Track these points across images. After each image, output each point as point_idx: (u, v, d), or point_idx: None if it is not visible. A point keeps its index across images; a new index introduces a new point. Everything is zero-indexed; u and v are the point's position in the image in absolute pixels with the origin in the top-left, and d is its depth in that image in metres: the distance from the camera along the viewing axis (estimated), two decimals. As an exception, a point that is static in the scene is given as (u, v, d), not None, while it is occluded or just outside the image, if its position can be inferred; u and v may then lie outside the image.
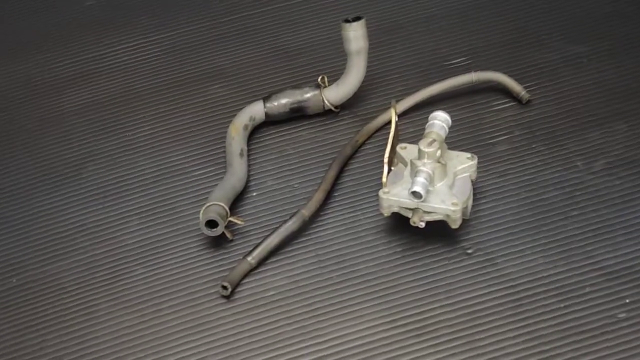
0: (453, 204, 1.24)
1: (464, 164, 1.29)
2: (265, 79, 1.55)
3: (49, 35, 1.67)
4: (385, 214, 1.27)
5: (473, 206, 1.31)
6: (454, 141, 1.40)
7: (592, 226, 1.27)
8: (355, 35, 1.43)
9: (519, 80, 1.46)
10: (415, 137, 1.39)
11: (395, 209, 1.26)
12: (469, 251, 1.27)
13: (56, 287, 1.29)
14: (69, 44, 1.65)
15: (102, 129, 1.50)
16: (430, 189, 1.25)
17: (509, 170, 1.36)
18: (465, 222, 1.29)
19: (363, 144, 1.42)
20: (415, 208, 1.25)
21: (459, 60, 1.53)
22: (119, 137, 1.49)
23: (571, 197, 1.31)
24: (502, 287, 1.22)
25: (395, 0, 1.64)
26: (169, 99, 1.54)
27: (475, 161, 1.29)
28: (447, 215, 1.24)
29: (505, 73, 1.46)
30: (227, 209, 1.30)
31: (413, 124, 1.44)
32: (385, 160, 1.29)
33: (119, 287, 1.28)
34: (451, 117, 1.41)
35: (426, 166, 1.25)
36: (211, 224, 1.29)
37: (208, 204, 1.30)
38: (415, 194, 1.22)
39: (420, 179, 1.23)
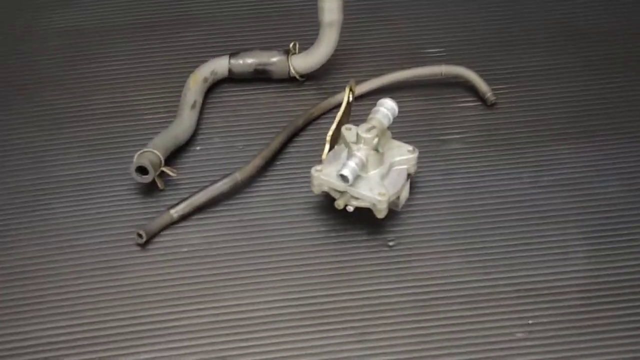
0: (380, 194, 1.22)
1: (403, 155, 1.26)
2: (241, 36, 1.53)
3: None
4: (316, 192, 1.25)
5: (409, 199, 1.29)
6: (408, 131, 1.38)
7: (519, 240, 1.24)
8: (330, 7, 1.40)
9: (490, 82, 1.43)
10: (373, 120, 1.37)
11: (326, 189, 1.24)
12: (391, 243, 1.25)
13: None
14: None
15: (67, 57, 1.50)
16: (363, 175, 1.23)
17: (454, 170, 1.33)
18: (395, 214, 1.28)
19: (317, 117, 1.40)
20: (344, 191, 1.23)
21: (436, 50, 1.50)
22: (82, 68, 1.48)
23: (508, 207, 1.28)
24: (412, 284, 1.20)
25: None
26: (140, 38, 1.53)
27: (415, 155, 1.27)
28: (374, 204, 1.22)
29: (476, 72, 1.43)
30: (162, 157, 1.29)
31: (373, 106, 1.42)
32: (328, 138, 1.27)
33: (42, 216, 1.28)
34: (413, 107, 1.40)
35: (360, 151, 1.23)
36: (142, 170, 1.28)
37: (143, 150, 1.29)
38: (342, 177, 1.20)
39: (351, 163, 1.21)
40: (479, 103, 1.42)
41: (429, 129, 1.39)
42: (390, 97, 1.30)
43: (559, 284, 1.20)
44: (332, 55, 1.46)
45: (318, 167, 1.25)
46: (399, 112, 1.39)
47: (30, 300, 1.19)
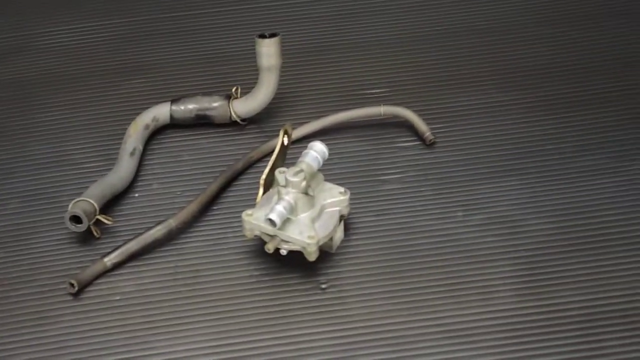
0: (309, 237, 1.22)
1: (335, 197, 1.26)
2: (185, 82, 1.54)
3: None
4: (248, 236, 1.26)
5: (344, 241, 1.30)
6: (347, 172, 1.38)
7: (447, 280, 1.24)
8: (268, 52, 1.41)
9: (430, 121, 1.43)
10: (313, 162, 1.38)
11: (257, 233, 1.25)
12: (323, 286, 1.25)
13: None
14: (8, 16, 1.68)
15: (12, 106, 1.51)
16: (293, 218, 1.23)
17: (390, 210, 1.33)
18: (329, 255, 1.28)
19: (257, 161, 1.41)
20: (274, 235, 1.23)
21: (379, 91, 1.51)
22: (21, 119, 1.49)
23: (438, 247, 1.28)
24: (340, 327, 1.20)
25: (331, 22, 1.63)
26: (86, 87, 1.54)
27: (346, 196, 1.27)
28: (304, 248, 1.22)
29: (416, 111, 1.44)
30: (96, 206, 1.30)
31: (312, 149, 1.43)
32: (261, 181, 1.28)
33: (-23, 267, 1.29)
34: (353, 148, 1.41)
35: (289, 195, 1.23)
36: (76, 219, 1.29)
37: (77, 200, 1.30)
38: (270, 221, 1.21)
39: (279, 207, 1.22)
40: (419, 142, 1.42)
41: (369, 170, 1.39)
42: (322, 140, 1.31)
43: (487, 323, 1.19)
44: (275, 98, 1.47)
45: (249, 212, 1.25)
46: (340, 153, 1.41)
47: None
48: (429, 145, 1.42)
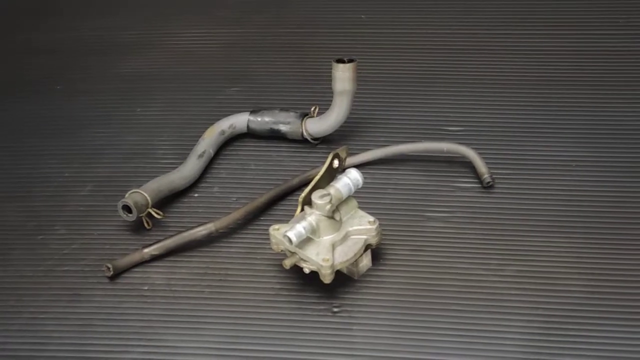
0: (324, 259, 1.24)
1: (362, 226, 1.28)
2: (278, 95, 1.60)
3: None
4: (274, 250, 1.29)
5: (371, 269, 1.31)
6: (395, 203, 1.39)
7: (450, 324, 1.23)
8: (342, 77, 1.45)
9: (495, 166, 1.42)
10: (368, 189, 1.40)
11: (282, 247, 1.28)
12: (335, 309, 1.27)
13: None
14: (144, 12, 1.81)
15: (119, 96, 1.63)
16: (315, 239, 1.26)
17: (426, 247, 1.33)
18: (351, 281, 1.29)
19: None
20: (294, 252, 1.26)
21: (456, 129, 1.50)
22: (128, 109, 1.61)
23: (464, 292, 1.26)
24: (341, 352, 1.21)
25: (428, 55, 1.64)
26: (189, 88, 1.64)
27: (374, 226, 1.28)
28: (318, 269, 1.25)
29: (484, 154, 1.42)
30: (149, 199, 1.38)
31: (372, 176, 1.44)
32: (300, 199, 1.31)
33: (43, 240, 1.39)
34: (410, 180, 1.42)
35: (312, 216, 1.26)
36: (128, 209, 1.37)
37: (133, 191, 1.38)
38: (285, 237, 1.24)
39: (299, 226, 1.25)
40: (476, 185, 1.41)
41: (418, 204, 1.39)
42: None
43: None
44: (352, 121, 1.51)
45: (276, 226, 1.29)
46: (394, 183, 1.42)
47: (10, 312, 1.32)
48: (485, 187, 1.40)
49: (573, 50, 1.63)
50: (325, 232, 1.27)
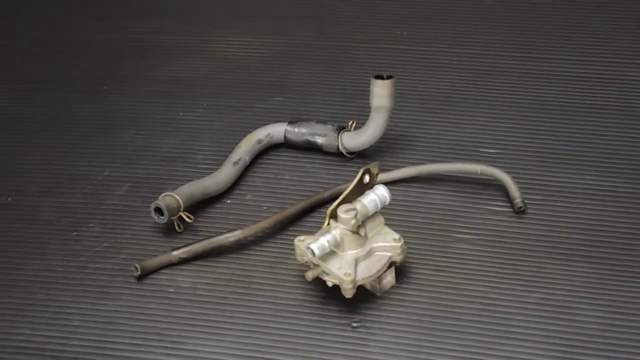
0: (346, 274, 1.25)
1: (387, 242, 1.29)
2: (319, 107, 1.62)
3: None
4: (299, 261, 1.31)
5: (394, 287, 1.31)
6: (424, 222, 1.40)
7: (467, 349, 1.23)
8: (380, 93, 1.46)
9: (529, 192, 1.42)
10: (399, 206, 1.41)
11: (306, 259, 1.30)
12: (355, 324, 1.27)
13: None
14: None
15: (162, 101, 1.66)
16: (340, 253, 1.27)
17: (451, 268, 1.33)
18: (374, 297, 1.30)
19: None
20: (317, 264, 1.27)
21: (492, 151, 1.50)
22: (169, 112, 1.64)
23: (485, 316, 1.26)
24: (355, 369, 1.23)
25: (470, 74, 1.65)
26: (232, 95, 1.67)
27: (399, 244, 1.28)
28: (340, 283, 1.26)
29: (518, 179, 1.42)
30: (181, 203, 1.40)
31: (404, 193, 1.44)
32: (328, 212, 1.32)
33: (77, 236, 1.42)
34: (441, 200, 1.42)
35: (336, 230, 1.27)
36: (160, 211, 1.40)
37: (166, 194, 1.40)
38: (309, 249, 1.25)
39: (323, 239, 1.26)
40: (508, 209, 1.41)
41: (447, 225, 1.40)
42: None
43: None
44: (389, 137, 1.52)
45: (302, 237, 1.30)
46: (426, 202, 1.43)
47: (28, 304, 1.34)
48: (517, 212, 1.40)
49: (617, 78, 1.62)
50: (350, 247, 1.28)
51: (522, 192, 1.41)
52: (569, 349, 1.22)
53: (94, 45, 1.81)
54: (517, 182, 1.42)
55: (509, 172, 1.43)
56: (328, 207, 1.31)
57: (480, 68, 1.67)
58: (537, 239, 1.37)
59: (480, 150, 1.51)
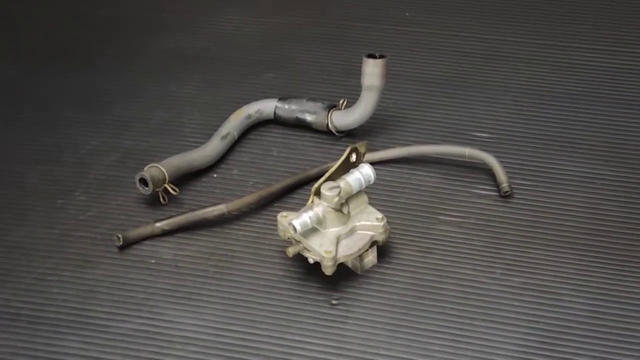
0: (326, 251, 1.24)
1: (369, 221, 1.28)
2: (313, 85, 1.61)
3: None
4: (281, 237, 1.30)
5: (376, 266, 1.31)
6: (410, 203, 1.39)
7: (446, 329, 1.22)
8: (371, 72, 1.45)
9: (516, 176, 1.41)
10: (385, 186, 1.40)
11: (288, 235, 1.29)
12: (334, 302, 1.27)
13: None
14: None
15: (159, 75, 1.65)
16: (321, 230, 1.27)
17: (434, 250, 1.33)
18: (355, 276, 1.30)
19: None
20: (299, 241, 1.27)
21: (483, 135, 1.49)
22: (161, 86, 1.63)
23: (464, 298, 1.26)
24: (333, 344, 1.21)
25: (467, 59, 1.64)
26: (225, 71, 1.65)
27: (381, 223, 1.28)
28: (321, 260, 1.25)
29: (506, 163, 1.41)
30: (167, 174, 1.39)
31: (392, 174, 1.44)
32: (312, 189, 1.32)
33: (63, 204, 1.42)
34: (428, 181, 1.42)
35: (319, 207, 1.26)
36: (144, 182, 1.39)
37: (151, 165, 1.40)
38: (290, 225, 1.25)
39: (305, 215, 1.25)
40: (494, 194, 1.40)
41: (432, 207, 1.39)
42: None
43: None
44: (379, 117, 1.51)
45: (284, 214, 1.29)
46: (413, 184, 1.42)
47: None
48: (503, 197, 1.39)
49: (612, 67, 1.61)
50: (332, 224, 1.27)
51: (511, 177, 1.40)
52: (550, 334, 1.22)
53: (88, 20, 1.80)
54: (506, 166, 1.41)
55: (498, 157, 1.42)
56: (314, 185, 1.31)
57: (477, 53, 1.66)
58: (522, 223, 1.36)
59: (472, 134, 1.50)
